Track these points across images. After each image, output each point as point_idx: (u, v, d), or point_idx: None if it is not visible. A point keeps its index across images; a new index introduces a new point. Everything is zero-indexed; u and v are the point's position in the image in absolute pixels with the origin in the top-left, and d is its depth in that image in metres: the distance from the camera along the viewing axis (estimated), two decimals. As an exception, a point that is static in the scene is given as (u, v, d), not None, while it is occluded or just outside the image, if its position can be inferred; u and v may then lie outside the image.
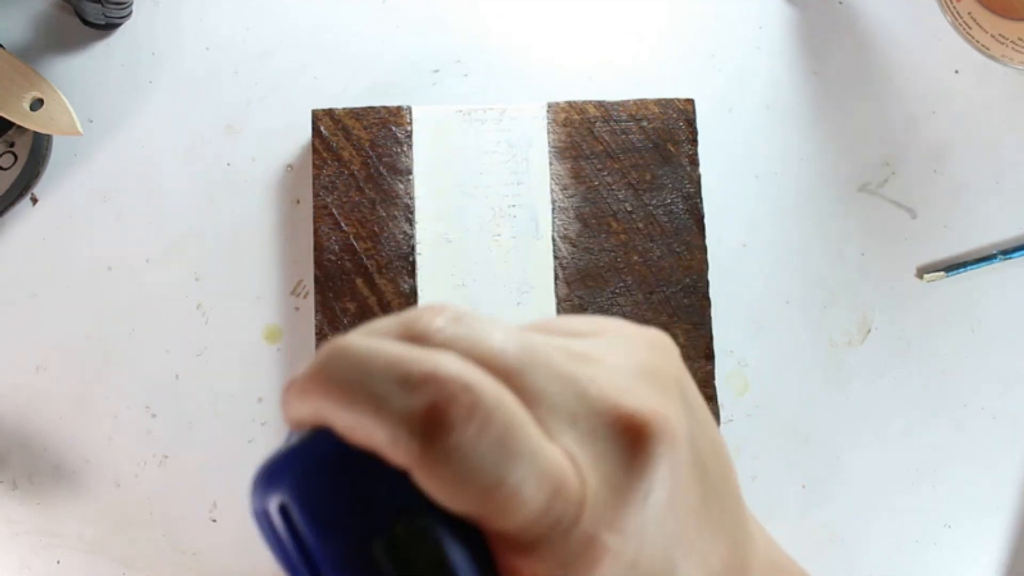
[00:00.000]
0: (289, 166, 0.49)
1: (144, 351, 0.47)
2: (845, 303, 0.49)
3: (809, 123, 0.50)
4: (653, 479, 0.19)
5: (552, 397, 0.18)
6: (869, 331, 0.49)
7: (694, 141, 0.47)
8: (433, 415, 0.16)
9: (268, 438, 0.47)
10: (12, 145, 0.46)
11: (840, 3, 0.51)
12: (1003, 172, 0.50)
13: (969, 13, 0.48)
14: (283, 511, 0.18)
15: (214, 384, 0.47)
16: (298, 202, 0.49)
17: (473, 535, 0.18)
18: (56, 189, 0.48)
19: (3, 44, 0.46)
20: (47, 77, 0.45)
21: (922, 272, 0.49)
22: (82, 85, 0.49)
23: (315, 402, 0.18)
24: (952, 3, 0.48)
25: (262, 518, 0.19)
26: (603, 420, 0.19)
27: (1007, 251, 0.49)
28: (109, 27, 0.49)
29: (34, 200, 0.48)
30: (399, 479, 0.17)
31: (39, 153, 0.47)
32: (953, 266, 0.49)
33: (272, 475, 0.19)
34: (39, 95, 0.44)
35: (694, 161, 0.47)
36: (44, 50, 0.49)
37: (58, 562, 0.46)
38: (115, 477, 0.46)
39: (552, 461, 0.17)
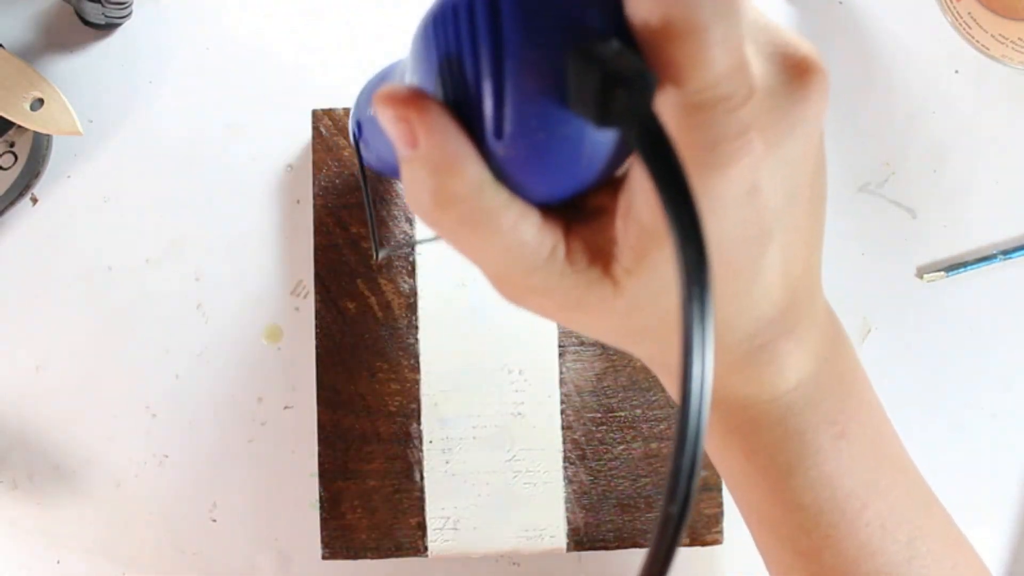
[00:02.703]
0: (289, 166, 0.49)
1: (144, 351, 0.47)
2: (845, 303, 0.49)
3: (809, 123, 0.50)
4: (805, 112, 0.20)
5: (747, 17, 0.19)
6: (869, 331, 0.49)
7: (694, 141, 0.47)
8: None
9: (268, 438, 0.47)
10: (12, 145, 0.46)
11: (840, 3, 0.51)
12: (1003, 172, 0.50)
13: (969, 13, 0.48)
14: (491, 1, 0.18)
15: (214, 384, 0.47)
16: (298, 202, 0.49)
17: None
18: (56, 189, 0.48)
19: (3, 44, 0.46)
20: (47, 77, 0.45)
21: (922, 272, 0.49)
22: (82, 85, 0.49)
23: None
24: (952, 3, 0.48)
25: (459, 7, 0.19)
26: (778, 51, 0.20)
27: (1007, 251, 0.49)
28: (109, 27, 0.49)
29: (34, 200, 0.48)
30: (605, 7, 0.18)
31: (39, 153, 0.47)
32: (953, 266, 0.49)
33: None
34: (39, 95, 0.44)
35: (694, 161, 0.47)
36: (44, 50, 0.49)
37: (58, 562, 0.46)
38: (115, 477, 0.46)
39: (742, 41, 0.18)
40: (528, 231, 0.20)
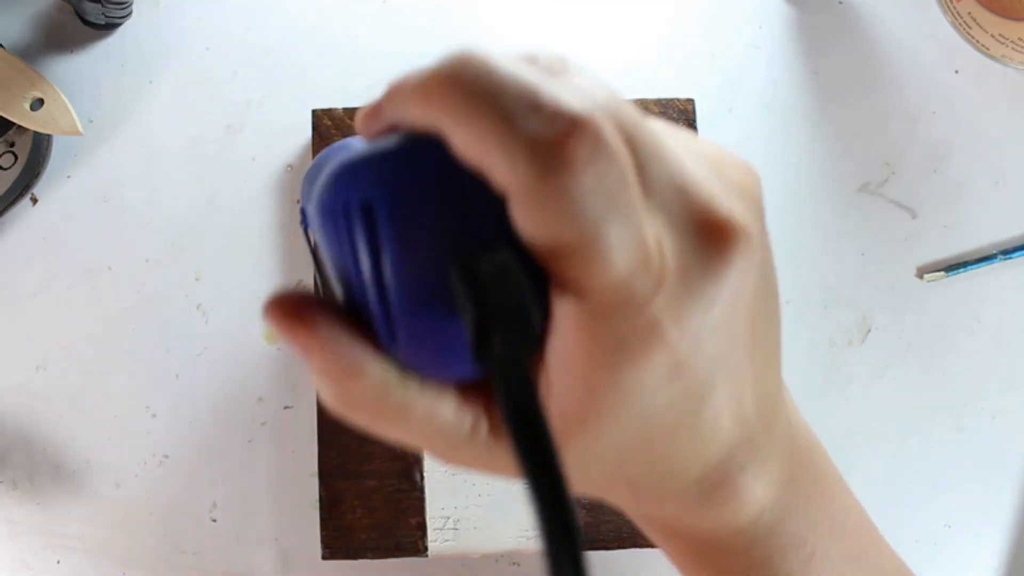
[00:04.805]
0: (289, 166, 0.49)
1: (144, 351, 0.47)
2: (845, 303, 0.49)
3: (809, 123, 0.50)
4: (723, 286, 0.19)
5: (655, 179, 0.18)
6: (869, 331, 0.49)
7: (694, 141, 0.47)
8: (559, 146, 0.16)
9: (268, 438, 0.47)
10: (12, 145, 0.46)
11: (840, 3, 0.51)
12: (1003, 172, 0.50)
13: (969, 13, 0.48)
14: (366, 210, 0.17)
15: (214, 384, 0.47)
16: (298, 202, 0.49)
17: (543, 287, 0.18)
18: (56, 189, 0.48)
19: (3, 44, 0.46)
20: (47, 77, 0.45)
21: (922, 272, 0.49)
22: (82, 85, 0.49)
23: (436, 108, 0.17)
24: (952, 3, 0.48)
25: (336, 214, 0.18)
26: (694, 217, 0.19)
27: (1007, 251, 0.49)
28: (109, 27, 0.49)
29: (34, 200, 0.48)
30: (492, 211, 0.17)
31: (39, 153, 0.47)
32: (953, 266, 0.49)
33: (365, 169, 0.18)
34: (39, 95, 0.44)
35: (694, 161, 0.47)
36: (44, 50, 0.49)
37: (58, 562, 0.46)
38: (115, 477, 0.46)
39: (648, 235, 0.17)
40: (445, 413, 0.20)
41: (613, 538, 0.44)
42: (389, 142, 0.18)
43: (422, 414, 0.19)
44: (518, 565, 0.47)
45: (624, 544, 0.44)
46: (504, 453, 0.20)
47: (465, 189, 0.17)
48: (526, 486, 0.15)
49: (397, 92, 0.18)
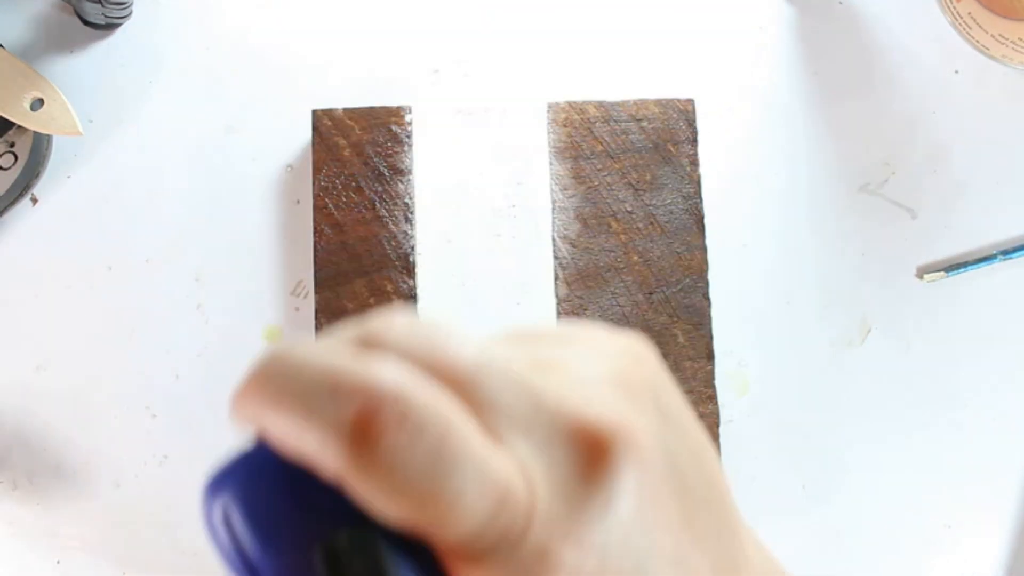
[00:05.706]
0: (289, 166, 0.49)
1: (144, 351, 0.47)
2: (845, 303, 0.49)
3: (809, 123, 0.50)
4: (614, 491, 0.18)
5: (506, 406, 0.18)
6: (869, 331, 0.49)
7: (694, 141, 0.47)
8: (360, 423, 0.16)
9: (268, 438, 0.47)
10: (12, 145, 0.46)
11: (840, 3, 0.51)
12: (1003, 172, 0.50)
13: (969, 13, 0.48)
14: (226, 518, 0.18)
15: (214, 384, 0.47)
16: (298, 202, 0.49)
17: (422, 549, 0.18)
18: (56, 189, 0.48)
19: (3, 44, 0.46)
20: (47, 77, 0.45)
21: (922, 272, 0.49)
22: (82, 85, 0.49)
23: (252, 408, 0.18)
24: (952, 3, 0.48)
25: (208, 526, 0.19)
26: (560, 430, 0.18)
27: (1007, 251, 0.49)
28: (109, 27, 0.49)
29: (34, 200, 0.48)
30: (339, 490, 0.17)
31: (39, 153, 0.47)
32: (953, 266, 0.49)
33: (215, 482, 0.19)
34: (39, 95, 0.44)
35: (694, 161, 0.47)
36: (44, 50, 0.49)
37: (58, 562, 0.46)
38: (115, 477, 0.46)
39: (497, 470, 0.17)
40: None
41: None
42: (244, 446, 0.19)
43: None
44: (518, 565, 0.47)
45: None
46: None
47: (314, 476, 0.18)
48: None
49: (230, 400, 0.19)
